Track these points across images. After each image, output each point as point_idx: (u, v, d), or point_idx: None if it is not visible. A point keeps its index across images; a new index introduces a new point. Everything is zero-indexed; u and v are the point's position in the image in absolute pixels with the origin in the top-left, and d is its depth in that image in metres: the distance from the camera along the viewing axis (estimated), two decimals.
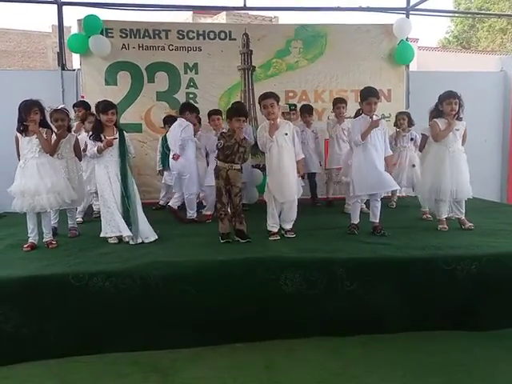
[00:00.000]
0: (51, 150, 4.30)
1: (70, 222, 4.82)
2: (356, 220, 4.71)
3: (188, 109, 5.61)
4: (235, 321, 3.49)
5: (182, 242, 4.38)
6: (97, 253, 3.96)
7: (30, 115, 4.11)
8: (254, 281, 3.54)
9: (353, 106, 6.67)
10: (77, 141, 4.84)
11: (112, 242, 4.33)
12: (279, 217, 4.51)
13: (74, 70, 7.01)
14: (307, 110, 6.51)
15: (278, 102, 4.43)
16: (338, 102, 6.21)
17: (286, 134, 4.41)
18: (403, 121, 6.06)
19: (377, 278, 3.63)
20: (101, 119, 4.37)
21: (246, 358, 3.31)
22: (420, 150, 5.66)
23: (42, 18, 50.23)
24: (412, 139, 5.97)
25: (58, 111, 4.67)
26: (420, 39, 19.18)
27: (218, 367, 3.21)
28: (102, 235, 4.38)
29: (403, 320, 3.67)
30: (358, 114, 4.90)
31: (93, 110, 5.16)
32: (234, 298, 3.51)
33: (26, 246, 4.17)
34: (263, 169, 5.82)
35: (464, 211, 4.76)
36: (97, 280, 3.37)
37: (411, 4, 7.66)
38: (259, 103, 4.49)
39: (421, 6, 7.75)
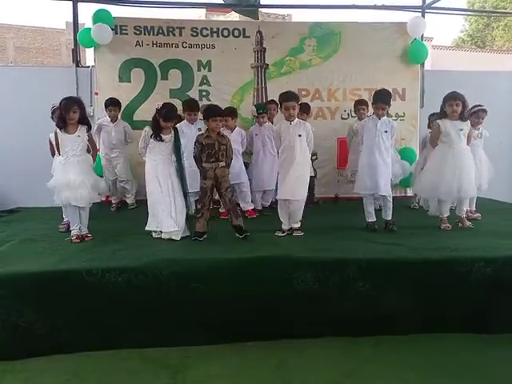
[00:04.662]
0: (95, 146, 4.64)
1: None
2: (370, 218, 4.71)
3: (184, 108, 5.54)
4: (247, 319, 3.49)
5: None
6: (110, 249, 3.98)
7: (69, 113, 4.19)
8: (266, 279, 3.53)
9: None
10: None
11: (156, 236, 4.39)
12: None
13: (89, 66, 7.04)
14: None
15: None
16: (359, 104, 6.10)
17: (300, 136, 4.44)
18: None
19: (390, 279, 3.61)
20: None
21: (257, 356, 3.31)
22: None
23: (57, 15, 50.42)
24: None
25: None
26: (434, 38, 19.01)
27: (229, 365, 3.21)
28: (146, 228, 4.42)
29: (415, 321, 3.64)
30: None
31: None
32: (245, 296, 3.51)
33: (74, 238, 4.30)
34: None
35: (465, 210, 4.79)
36: (110, 276, 3.39)
37: (427, 2, 7.59)
38: (280, 102, 4.51)
39: (436, 5, 7.66)
